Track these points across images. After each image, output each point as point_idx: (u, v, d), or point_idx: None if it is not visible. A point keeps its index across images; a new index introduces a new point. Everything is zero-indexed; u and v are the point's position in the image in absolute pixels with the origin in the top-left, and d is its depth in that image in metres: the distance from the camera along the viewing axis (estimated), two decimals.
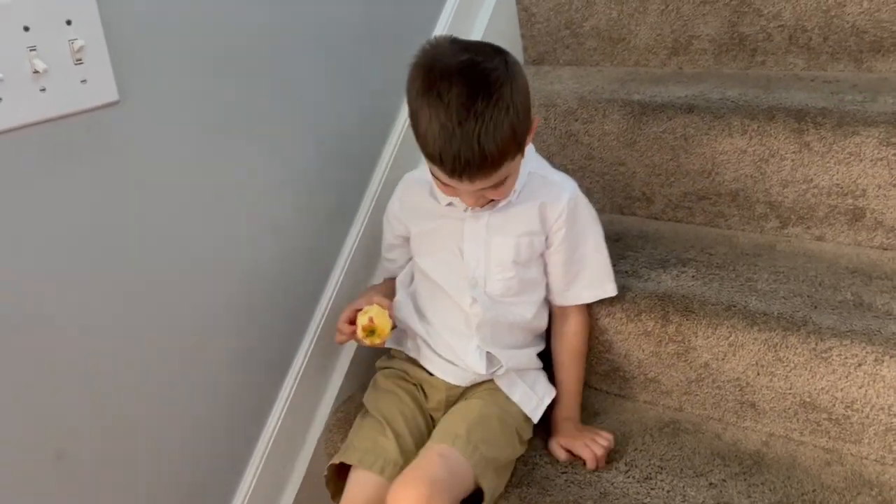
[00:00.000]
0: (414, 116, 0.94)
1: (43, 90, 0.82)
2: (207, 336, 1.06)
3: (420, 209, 1.09)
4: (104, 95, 0.88)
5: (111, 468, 0.97)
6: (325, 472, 1.06)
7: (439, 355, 1.09)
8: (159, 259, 0.98)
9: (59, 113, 0.84)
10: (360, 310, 1.03)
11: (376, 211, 1.26)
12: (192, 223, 1.02)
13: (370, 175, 1.30)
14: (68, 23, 0.83)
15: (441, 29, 1.43)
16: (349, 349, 1.28)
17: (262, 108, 1.09)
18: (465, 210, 1.04)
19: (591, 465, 1.04)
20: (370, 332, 1.00)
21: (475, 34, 1.51)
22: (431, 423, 1.10)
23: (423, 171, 1.11)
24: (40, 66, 0.80)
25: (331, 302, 1.23)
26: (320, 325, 1.22)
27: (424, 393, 1.12)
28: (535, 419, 1.10)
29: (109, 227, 0.92)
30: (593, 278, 1.10)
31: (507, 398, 1.08)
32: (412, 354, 1.13)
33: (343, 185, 1.26)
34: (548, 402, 1.11)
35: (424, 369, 1.11)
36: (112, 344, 0.94)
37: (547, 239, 1.07)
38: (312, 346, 1.21)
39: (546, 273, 1.11)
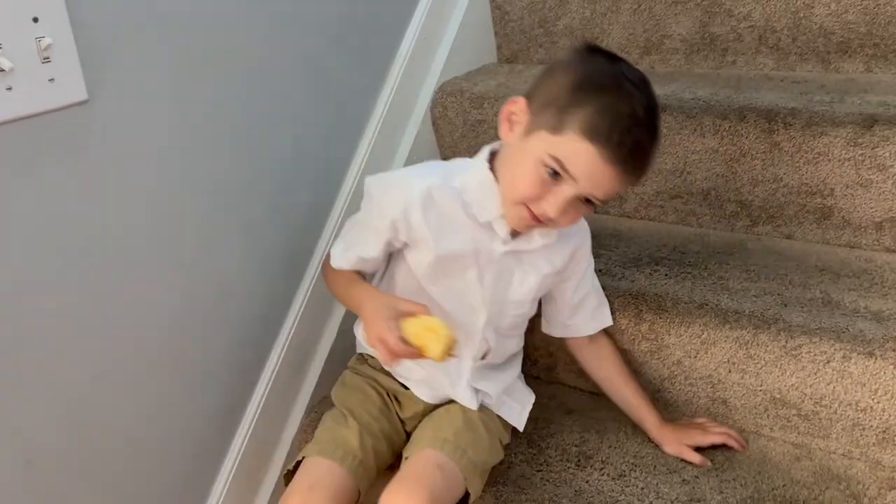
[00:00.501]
0: (585, 95, 0.87)
1: (9, 89, 0.80)
2: (180, 338, 1.05)
3: (454, 223, 0.96)
4: (72, 94, 0.86)
5: (82, 474, 0.95)
6: (286, 471, 1.02)
7: (415, 375, 1.07)
8: (130, 260, 0.97)
9: (26, 112, 0.82)
10: (406, 320, 0.89)
11: (349, 212, 1.25)
12: (165, 223, 1.00)
13: (343, 176, 1.29)
14: (35, 20, 0.81)
15: (414, 29, 1.42)
16: (322, 349, 1.27)
17: (236, 107, 1.08)
18: (504, 237, 0.97)
19: (733, 443, 1.06)
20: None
21: (448, 33, 1.51)
22: (402, 427, 1.08)
23: (445, 178, 0.98)
24: (6, 64, 0.79)
25: (304, 303, 1.22)
26: (294, 326, 1.21)
27: (398, 402, 1.09)
28: (521, 427, 1.08)
29: (79, 228, 0.90)
30: (596, 306, 1.10)
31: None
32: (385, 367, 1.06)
33: (316, 185, 1.25)
34: (529, 407, 1.10)
35: (397, 381, 1.09)
36: (81, 347, 0.93)
37: (563, 272, 1.05)
38: (286, 346, 1.20)
39: (548, 303, 1.10)
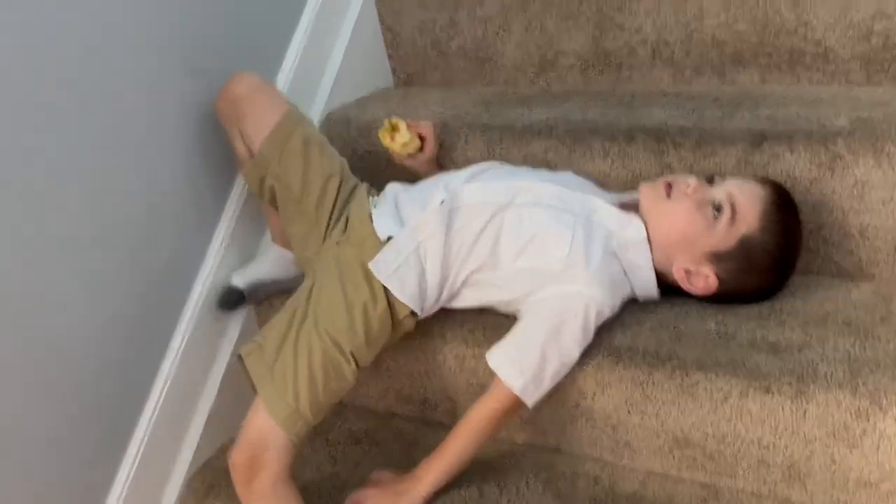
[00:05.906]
0: None
1: None
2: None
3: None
4: None
5: None
6: None
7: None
8: None
9: None
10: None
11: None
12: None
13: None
14: None
15: (296, 50, 1.34)
16: (203, 408, 1.18)
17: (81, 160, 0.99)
18: None
19: None
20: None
21: (336, 54, 1.43)
22: None
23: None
24: None
25: (177, 359, 1.13)
26: (165, 389, 1.11)
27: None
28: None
29: None
30: None
31: None
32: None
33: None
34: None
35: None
36: None
37: None
38: (157, 411, 1.11)
39: None
